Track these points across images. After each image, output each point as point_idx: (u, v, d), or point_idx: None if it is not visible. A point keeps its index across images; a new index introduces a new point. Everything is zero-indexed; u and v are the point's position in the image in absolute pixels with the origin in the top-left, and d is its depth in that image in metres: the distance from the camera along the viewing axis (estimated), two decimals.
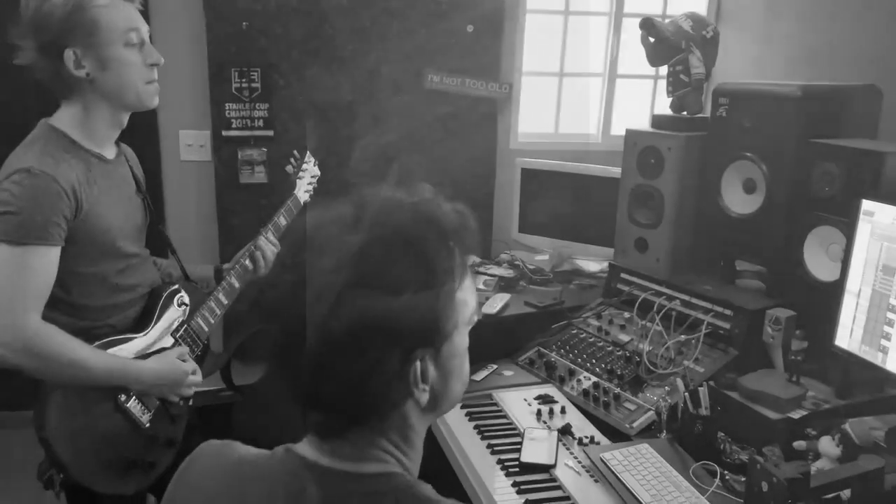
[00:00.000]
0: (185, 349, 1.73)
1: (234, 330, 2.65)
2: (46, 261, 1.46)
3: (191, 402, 1.78)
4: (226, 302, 1.87)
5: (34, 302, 1.46)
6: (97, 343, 1.56)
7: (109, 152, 1.64)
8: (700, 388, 1.76)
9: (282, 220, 2.03)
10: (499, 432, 1.88)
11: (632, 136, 2.34)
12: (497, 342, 2.40)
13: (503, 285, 2.63)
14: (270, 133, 3.22)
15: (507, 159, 3.47)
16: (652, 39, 2.26)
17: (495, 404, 2.03)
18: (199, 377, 1.73)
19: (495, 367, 2.25)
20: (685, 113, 2.31)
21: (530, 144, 3.48)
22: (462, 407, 2.00)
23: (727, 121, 2.10)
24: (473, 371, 2.22)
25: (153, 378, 1.62)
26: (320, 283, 0.76)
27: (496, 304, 2.44)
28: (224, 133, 3.18)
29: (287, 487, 0.83)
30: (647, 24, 2.24)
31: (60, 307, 1.55)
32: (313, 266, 0.78)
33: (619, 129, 3.63)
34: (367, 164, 3.32)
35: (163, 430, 1.72)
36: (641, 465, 1.63)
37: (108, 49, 1.52)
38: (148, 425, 1.66)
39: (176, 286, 1.78)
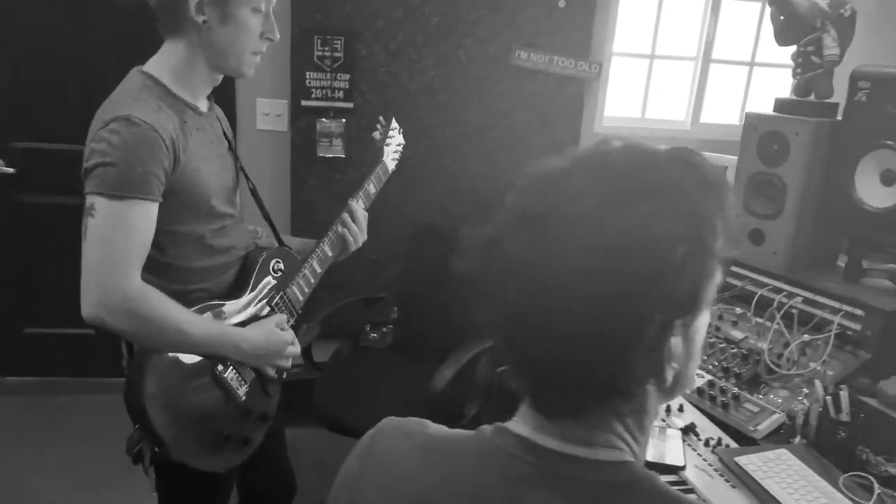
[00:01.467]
0: (283, 317, 1.64)
1: (318, 303, 2.56)
2: (146, 216, 1.37)
3: (285, 375, 1.68)
4: (319, 271, 1.77)
5: (135, 261, 1.36)
6: (196, 307, 1.48)
7: (203, 105, 1.55)
8: (841, 392, 1.62)
9: (371, 188, 1.92)
10: None
11: (753, 120, 2.19)
12: None
13: None
14: (350, 105, 3.12)
15: (591, 142, 3.33)
16: (782, 16, 2.10)
17: None
18: (297, 348, 1.64)
19: None
20: (812, 97, 2.15)
21: (617, 129, 3.33)
22: None
23: (866, 106, 1.94)
24: None
25: (252, 347, 1.53)
26: (575, 240, 0.65)
27: None
28: (303, 103, 3.09)
29: (504, 470, 0.72)
30: (779, 0, 2.08)
31: (154, 268, 1.46)
32: (563, 224, 0.66)
33: (709, 117, 3.47)
34: (448, 140, 3.21)
35: (258, 403, 1.63)
36: (784, 472, 1.50)
37: (237, 7, 1.43)
38: (244, 398, 1.57)
39: (272, 251, 1.69)
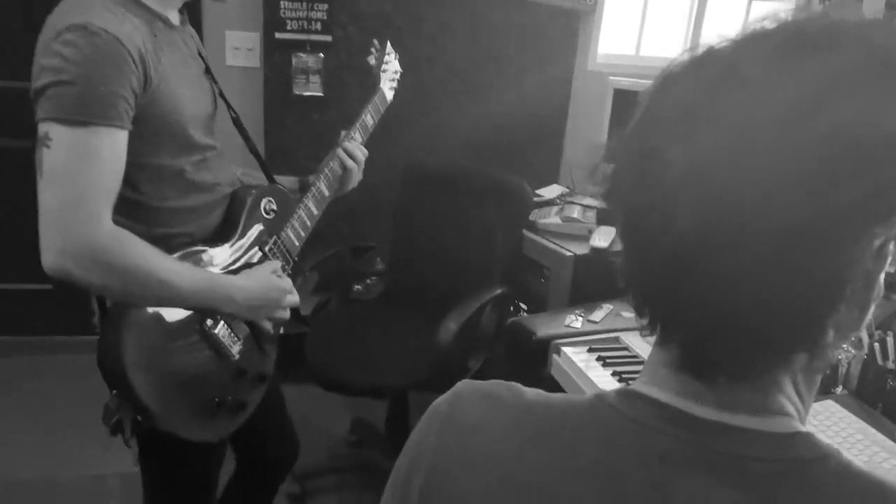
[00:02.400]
0: (278, 264, 1.44)
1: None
2: (113, 146, 1.14)
3: (282, 330, 1.50)
4: (316, 213, 1.57)
5: (104, 200, 1.14)
6: (177, 254, 1.27)
7: (174, 17, 1.31)
8: (888, 338, 1.51)
9: (368, 119, 1.71)
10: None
11: None
12: (609, 280, 2.13)
13: (602, 217, 2.35)
14: (329, 38, 2.86)
15: (584, 80, 3.15)
16: None
17: (626, 348, 1.78)
18: (296, 297, 1.44)
19: (611, 307, 1.99)
20: None
21: (610, 66, 3.14)
22: (590, 350, 1.75)
23: None
24: (589, 310, 1.96)
25: (246, 298, 1.32)
26: (774, 141, 0.48)
27: (605, 237, 2.17)
28: (277, 35, 2.82)
29: (642, 447, 0.56)
30: None
31: (126, 209, 1.24)
32: (756, 121, 0.49)
33: None
34: (436, 76, 2.99)
35: (253, 362, 1.44)
36: (835, 425, 1.39)
37: None
38: (238, 357, 1.38)
39: (262, 189, 1.48)
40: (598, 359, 1.71)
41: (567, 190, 2.58)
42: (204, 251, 1.32)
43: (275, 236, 1.46)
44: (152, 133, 1.22)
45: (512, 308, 2.28)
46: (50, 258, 1.09)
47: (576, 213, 2.29)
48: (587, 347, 1.76)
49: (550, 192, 2.55)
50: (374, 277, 2.99)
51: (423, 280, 2.44)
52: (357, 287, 2.85)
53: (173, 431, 1.27)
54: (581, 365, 1.69)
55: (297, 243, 1.52)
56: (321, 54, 2.86)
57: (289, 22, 2.82)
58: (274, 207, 1.47)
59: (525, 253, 2.24)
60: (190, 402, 1.30)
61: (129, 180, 1.22)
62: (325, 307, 2.52)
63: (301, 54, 2.85)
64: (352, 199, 3.00)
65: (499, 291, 2.11)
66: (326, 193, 1.59)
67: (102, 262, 1.11)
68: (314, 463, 2.47)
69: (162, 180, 1.27)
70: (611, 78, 2.70)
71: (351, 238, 2.99)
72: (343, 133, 1.63)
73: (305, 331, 2.22)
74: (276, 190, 1.50)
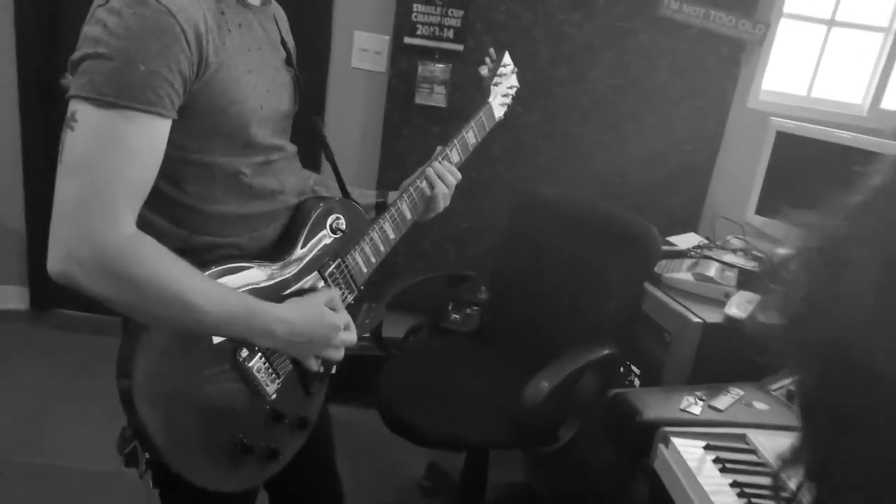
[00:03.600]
0: (336, 293, 1.21)
1: (392, 275, 2.14)
2: (149, 136, 0.95)
3: (334, 370, 1.28)
4: (392, 237, 1.34)
5: (129, 199, 0.95)
6: (214, 269, 1.06)
7: None
8: None
9: (470, 137, 1.45)
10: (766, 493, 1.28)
11: None
12: (741, 359, 1.77)
13: (743, 280, 1.98)
14: (460, 47, 2.66)
15: (742, 118, 2.77)
16: None
17: (753, 451, 1.42)
18: (353, 335, 1.20)
19: (741, 393, 1.63)
20: None
21: (775, 106, 2.75)
22: (707, 447, 1.41)
23: None
24: (712, 394, 1.62)
25: (289, 332, 1.09)
26: None
27: (743, 306, 1.81)
28: (406, 40, 2.65)
29: None
30: None
31: (170, 210, 1.07)
32: None
33: (893, 103, 2.83)
34: (570, 99, 2.71)
35: (293, 404, 1.22)
36: None
37: None
38: (274, 397, 1.17)
39: (332, 203, 1.25)
40: (717, 461, 1.38)
41: (705, 241, 2.23)
42: (248, 268, 1.11)
43: (339, 259, 1.24)
44: (205, 127, 1.04)
45: (622, 370, 1.96)
46: (56, 260, 0.92)
47: (712, 271, 1.94)
48: (704, 443, 1.43)
49: (685, 241, 2.21)
50: (474, 308, 2.74)
51: (521, 321, 2.16)
52: (455, 316, 2.62)
53: (186, 476, 1.08)
54: (692, 465, 1.36)
55: (364, 270, 1.30)
56: (450, 64, 2.66)
57: (420, 27, 2.65)
58: (342, 226, 1.25)
59: (644, 310, 1.92)
60: (208, 444, 1.11)
61: (173, 176, 1.04)
62: (416, 332, 2.31)
63: (429, 63, 2.67)
64: (462, 220, 2.77)
65: (605, 352, 1.80)
66: (408, 216, 1.36)
67: (112, 272, 0.92)
68: (380, 502, 2.25)
69: (213, 181, 1.08)
70: (773, 119, 2.31)
71: (457, 262, 2.77)
72: (438, 150, 1.40)
73: (381, 354, 2.01)
74: (347, 206, 1.28)
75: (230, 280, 1.08)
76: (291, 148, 1.21)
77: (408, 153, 2.76)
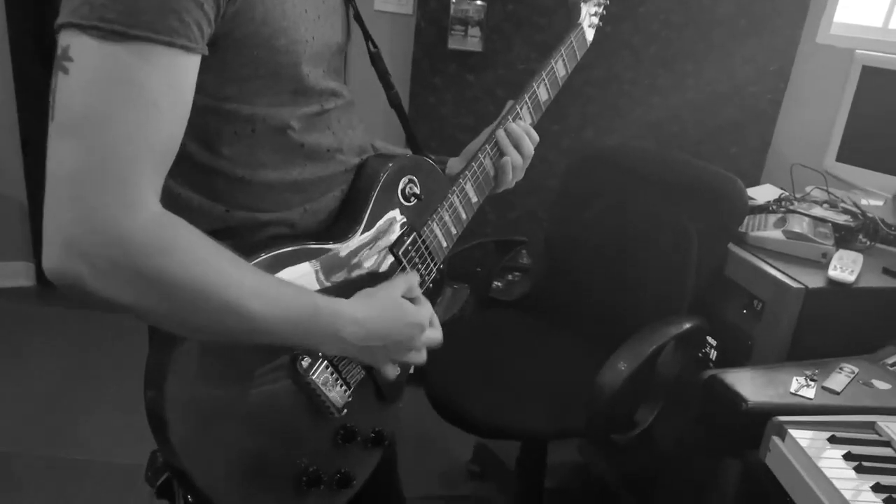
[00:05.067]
0: (415, 279, 0.97)
1: None
2: (174, 78, 0.70)
3: (412, 370, 1.04)
4: (475, 200, 1.09)
5: (148, 169, 0.69)
6: (263, 257, 0.83)
7: None
8: None
9: (560, 68, 1.16)
10: None
11: None
12: (848, 328, 1.53)
13: (840, 237, 1.73)
14: None
15: (813, 55, 2.48)
16: None
17: (888, 444, 1.19)
18: (438, 333, 0.97)
19: (856, 370, 1.40)
20: None
21: (850, 40, 2.45)
22: (832, 440, 1.18)
23: None
24: (822, 372, 1.39)
25: (361, 335, 0.86)
26: None
27: (849, 267, 1.56)
28: None
29: None
30: None
31: (198, 180, 0.84)
32: None
33: None
34: (623, 39, 2.43)
35: (368, 417, 1.00)
36: None
37: None
38: (345, 412, 0.94)
39: (403, 161, 1.00)
40: (850, 457, 1.14)
41: (784, 193, 1.97)
42: (305, 252, 0.87)
43: (414, 234, 1.00)
44: (243, 65, 0.79)
45: (704, 349, 1.72)
46: (52, 256, 0.66)
47: (805, 227, 1.68)
48: (828, 434, 1.19)
49: (763, 194, 1.95)
50: (517, 273, 2.51)
51: (582, 293, 1.92)
52: (497, 284, 2.38)
53: None
54: (822, 464, 1.13)
55: (444, 244, 1.05)
56: (484, 3, 2.38)
57: None
58: (417, 191, 1.00)
59: (728, 275, 1.67)
60: (267, 478, 0.89)
61: (203, 135, 0.81)
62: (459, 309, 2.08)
63: (461, 2, 2.38)
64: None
65: (688, 326, 1.56)
66: (491, 173, 1.11)
67: (132, 270, 0.67)
68: (424, 489, 2.05)
69: (254, 139, 0.84)
70: (859, 52, 2.03)
71: (498, 228, 2.53)
72: (509, 104, 1.14)
73: None
74: (421, 164, 1.02)
75: (285, 272, 0.84)
76: (348, 93, 0.95)
77: (440, 105, 2.50)
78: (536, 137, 1.14)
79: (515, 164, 1.10)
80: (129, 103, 0.67)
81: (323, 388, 0.89)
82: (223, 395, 0.82)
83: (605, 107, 2.48)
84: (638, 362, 1.44)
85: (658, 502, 1.92)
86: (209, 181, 0.84)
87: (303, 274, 0.86)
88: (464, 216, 1.07)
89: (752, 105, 2.51)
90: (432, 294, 1.04)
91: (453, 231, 1.06)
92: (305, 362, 0.87)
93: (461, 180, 1.05)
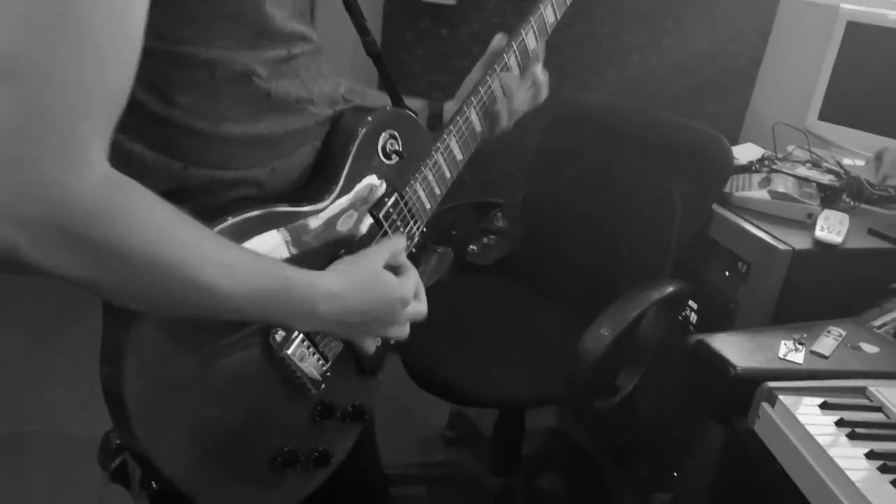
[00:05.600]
0: (400, 242, 0.90)
1: None
2: (122, 17, 0.60)
3: (392, 342, 0.98)
4: (460, 158, 1.02)
5: (94, 119, 0.60)
6: (228, 222, 0.74)
7: None
8: None
9: (549, 15, 1.08)
10: None
11: None
12: (834, 291, 1.50)
13: (824, 197, 1.69)
14: None
15: (794, 8, 2.42)
16: None
17: (879, 409, 1.17)
18: (423, 307, 0.89)
19: (843, 333, 1.37)
20: None
21: None
22: (825, 406, 1.15)
23: None
24: (811, 336, 1.35)
25: (339, 311, 0.77)
26: None
27: (836, 228, 1.52)
28: None
29: None
30: None
31: (151, 134, 0.75)
32: None
33: None
34: None
35: (347, 391, 0.93)
36: None
37: None
38: (323, 387, 0.87)
39: (382, 115, 0.91)
40: (842, 424, 1.11)
41: (767, 152, 1.92)
42: (275, 217, 0.79)
43: (396, 194, 0.92)
44: (200, 3, 0.70)
45: (684, 311, 1.68)
46: None
47: (789, 186, 1.64)
48: (820, 400, 1.16)
49: (745, 153, 1.90)
50: (492, 237, 2.44)
51: (561, 256, 1.86)
52: (472, 247, 2.32)
53: (201, 499, 0.79)
54: (814, 431, 1.09)
55: (428, 205, 0.97)
56: None
57: None
58: (398, 147, 0.91)
59: (712, 237, 1.62)
60: (239, 461, 0.82)
61: (156, 82, 0.72)
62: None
63: None
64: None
65: (671, 289, 1.52)
66: (478, 128, 1.03)
67: (77, 238, 0.58)
68: (394, 456, 2.01)
69: (215, 87, 0.75)
70: (844, 7, 1.97)
71: (473, 189, 2.45)
72: (499, 37, 1.05)
73: None
74: (403, 118, 0.94)
75: (253, 240, 0.76)
76: (317, 38, 0.86)
77: (413, 63, 2.40)
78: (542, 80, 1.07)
79: (511, 114, 1.04)
80: (69, 45, 0.58)
81: (299, 363, 0.82)
82: (187, 372, 0.74)
83: (582, 64, 2.40)
84: (621, 328, 1.39)
85: (637, 468, 1.90)
86: (164, 135, 0.75)
87: (272, 242, 0.78)
88: (448, 175, 0.99)
89: (731, 63, 2.45)
90: (415, 259, 0.97)
91: (437, 191, 0.98)
92: (279, 336, 0.80)
93: (445, 136, 0.97)
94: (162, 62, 0.71)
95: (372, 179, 0.89)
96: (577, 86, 2.39)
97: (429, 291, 0.98)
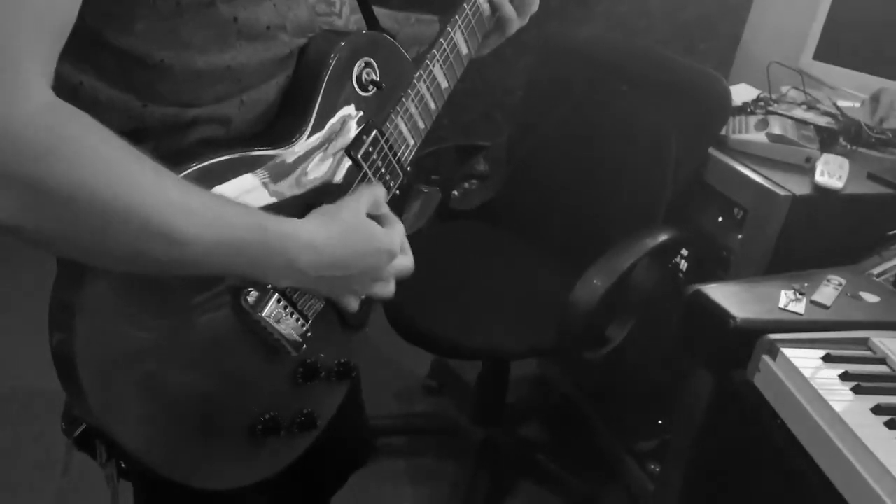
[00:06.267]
0: (381, 191, 0.82)
1: None
2: None
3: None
4: (445, 86, 0.92)
5: (35, 45, 0.52)
6: (194, 167, 0.65)
7: None
8: None
9: None
10: None
11: None
12: (833, 238, 1.45)
13: (821, 140, 1.62)
14: None
15: None
16: None
17: (882, 361, 1.13)
18: (409, 260, 0.82)
19: (842, 281, 1.32)
20: None
21: None
22: (827, 358, 1.10)
23: None
24: (811, 285, 1.31)
25: (322, 264, 0.70)
26: None
27: (836, 172, 1.46)
28: None
29: None
30: None
31: (105, 66, 0.65)
32: None
33: None
34: None
35: (331, 349, 0.86)
36: None
37: None
38: (304, 348, 0.80)
39: (356, 39, 0.81)
40: (846, 378, 1.07)
41: (762, 93, 1.84)
42: (247, 162, 0.70)
43: (375, 131, 0.83)
44: None
45: (678, 257, 1.62)
46: None
47: (787, 129, 1.57)
48: (823, 353, 1.12)
49: (739, 94, 1.82)
50: (473, 181, 2.36)
51: (549, 201, 1.79)
52: (454, 193, 2.23)
53: (181, 480, 0.72)
54: (818, 384, 1.05)
55: (411, 141, 0.89)
56: None
57: None
58: (375, 77, 0.82)
59: (708, 182, 1.56)
60: (214, 432, 0.75)
61: (109, 7, 0.62)
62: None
63: None
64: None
65: (665, 238, 1.46)
66: (465, 50, 0.93)
67: (17, 178, 0.50)
68: (374, 406, 1.97)
69: (176, 13, 0.65)
70: None
71: (451, 132, 2.35)
72: None
73: None
74: (381, 43, 0.84)
75: (222, 187, 0.67)
76: None
77: None
78: None
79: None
80: None
81: (276, 325, 0.74)
82: (149, 338, 0.66)
83: None
84: (613, 279, 1.33)
85: (622, 416, 1.88)
86: (120, 67, 0.66)
87: (244, 188, 0.69)
88: (433, 106, 0.90)
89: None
90: (399, 202, 0.88)
91: (421, 125, 0.89)
92: (252, 297, 0.72)
93: (429, 62, 0.87)
94: None
95: (347, 114, 0.79)
96: (564, 21, 2.27)
97: (412, 238, 0.90)
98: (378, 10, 0.93)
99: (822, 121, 1.69)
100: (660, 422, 1.81)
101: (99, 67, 0.65)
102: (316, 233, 0.69)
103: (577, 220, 1.69)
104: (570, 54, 1.76)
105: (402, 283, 0.84)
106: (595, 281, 1.32)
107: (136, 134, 0.66)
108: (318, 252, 0.69)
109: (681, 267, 1.65)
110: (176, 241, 0.57)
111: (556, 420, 2.07)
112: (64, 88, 0.59)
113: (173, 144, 0.68)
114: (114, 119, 0.64)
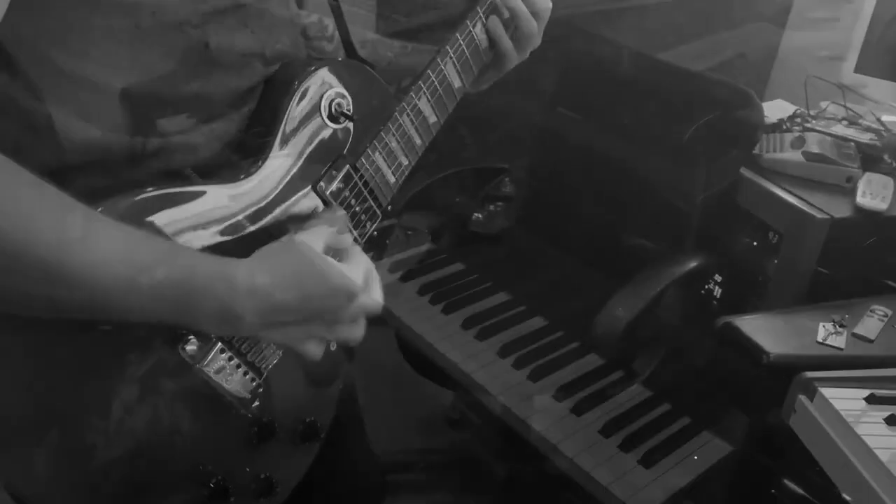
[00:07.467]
0: (340, 219, 0.75)
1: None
2: None
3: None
4: (433, 120, 0.86)
5: None
6: (128, 201, 0.60)
7: None
8: None
9: None
10: None
11: None
12: (877, 264, 1.35)
13: (864, 158, 1.52)
14: None
15: None
16: None
17: None
18: (377, 296, 0.72)
19: (888, 312, 1.22)
20: None
21: None
22: (871, 399, 1.01)
23: None
24: (853, 316, 1.21)
25: (266, 309, 0.63)
26: None
27: (879, 193, 1.36)
28: None
29: None
30: None
31: (55, 96, 0.62)
32: None
33: None
34: None
35: (292, 408, 0.79)
36: None
37: None
38: (256, 405, 0.74)
39: (326, 69, 0.75)
40: (892, 422, 0.97)
41: (799, 109, 1.75)
42: (191, 194, 0.65)
43: (348, 166, 0.77)
44: None
45: (707, 284, 1.53)
46: None
47: (826, 147, 1.47)
48: (865, 393, 1.02)
49: (774, 110, 1.73)
50: (499, 203, 2.29)
51: (572, 226, 1.71)
52: (477, 215, 2.17)
53: None
54: (861, 430, 0.96)
55: (391, 179, 0.82)
56: None
57: None
58: (348, 108, 0.76)
59: (739, 203, 1.47)
60: (154, 499, 0.69)
61: (65, 33, 0.58)
62: (437, 239, 1.88)
63: None
64: (476, 96, 2.25)
65: (694, 264, 1.37)
66: (455, 84, 0.86)
67: None
68: (393, 441, 1.90)
69: (140, 39, 0.60)
70: None
71: (475, 152, 2.29)
72: None
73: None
74: (356, 72, 0.79)
75: (158, 221, 0.62)
76: None
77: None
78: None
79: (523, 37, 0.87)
80: None
81: (219, 380, 0.68)
82: (67, 391, 0.60)
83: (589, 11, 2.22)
84: (638, 308, 1.25)
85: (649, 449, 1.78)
86: (76, 96, 0.61)
87: (183, 226, 0.63)
88: (418, 142, 0.83)
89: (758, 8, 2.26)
90: (378, 244, 0.82)
91: (404, 162, 0.82)
92: (191, 347, 0.65)
93: (413, 95, 0.81)
94: (73, 8, 0.57)
95: (314, 145, 0.73)
96: (590, 36, 2.21)
97: None
98: (373, 38, 0.88)
99: (865, 137, 1.58)
100: (695, 457, 1.71)
101: (54, 97, 0.61)
102: (256, 274, 0.62)
103: (603, 244, 1.61)
104: (595, 71, 1.69)
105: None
106: (618, 310, 1.24)
107: (96, 165, 0.62)
108: (260, 297, 0.61)
109: (715, 294, 1.55)
110: (82, 285, 0.52)
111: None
112: (19, 118, 0.55)
113: (134, 175, 0.64)
114: (71, 150, 0.60)
